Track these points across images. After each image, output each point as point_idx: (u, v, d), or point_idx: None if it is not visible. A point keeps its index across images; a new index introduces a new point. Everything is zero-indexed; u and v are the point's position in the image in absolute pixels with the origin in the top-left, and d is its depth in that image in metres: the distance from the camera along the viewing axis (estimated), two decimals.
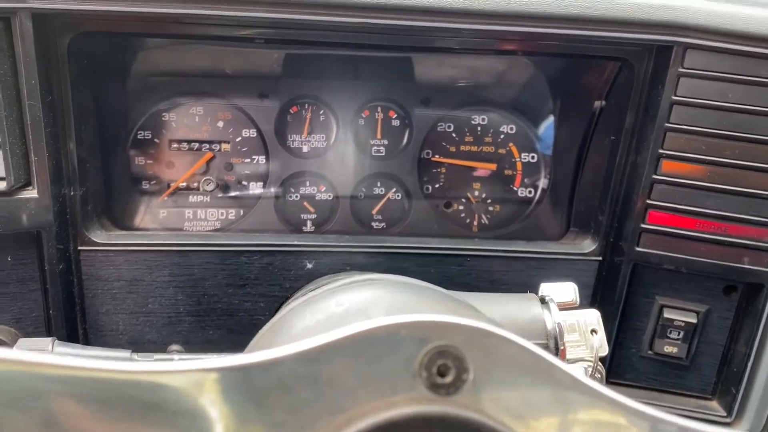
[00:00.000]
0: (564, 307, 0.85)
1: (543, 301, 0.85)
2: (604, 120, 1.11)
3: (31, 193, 0.97)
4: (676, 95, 0.98)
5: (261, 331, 0.70)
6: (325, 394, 0.45)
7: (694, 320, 1.09)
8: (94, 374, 0.43)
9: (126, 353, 0.86)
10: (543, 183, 1.24)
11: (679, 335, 1.10)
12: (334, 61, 1.18)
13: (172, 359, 0.86)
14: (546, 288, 0.87)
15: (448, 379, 0.46)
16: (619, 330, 1.11)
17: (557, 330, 0.82)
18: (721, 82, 0.96)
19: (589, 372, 0.81)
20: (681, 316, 1.09)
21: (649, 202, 1.03)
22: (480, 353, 0.46)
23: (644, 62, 1.01)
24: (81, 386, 0.43)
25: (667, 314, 1.10)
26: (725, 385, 1.10)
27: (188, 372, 0.44)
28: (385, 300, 0.63)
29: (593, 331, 0.85)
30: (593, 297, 1.12)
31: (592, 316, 0.85)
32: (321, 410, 0.45)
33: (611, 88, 1.09)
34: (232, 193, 1.21)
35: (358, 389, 0.45)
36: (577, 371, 0.48)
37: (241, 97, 1.18)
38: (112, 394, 0.43)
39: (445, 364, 0.46)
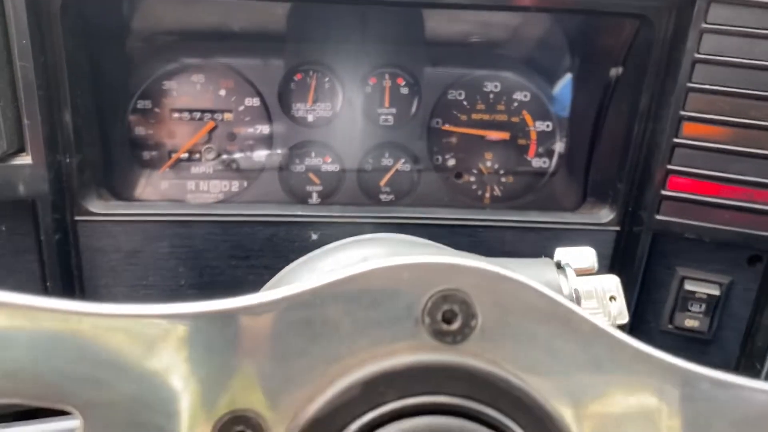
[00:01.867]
0: (581, 272, 0.81)
1: (559, 266, 0.81)
2: (623, 83, 1.06)
3: (25, 160, 0.94)
4: (698, 53, 0.93)
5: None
6: (320, 341, 0.41)
7: (716, 292, 1.04)
8: (56, 317, 0.39)
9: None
10: (558, 151, 1.19)
11: (701, 308, 1.05)
12: (340, 22, 1.13)
13: None
14: (562, 253, 0.82)
15: (455, 326, 0.42)
16: (638, 303, 1.07)
17: (574, 296, 0.78)
18: (747, 37, 0.91)
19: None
20: (703, 288, 1.04)
21: (669, 167, 0.98)
22: (489, 298, 0.42)
23: (665, 19, 0.96)
24: (39, 331, 0.39)
25: (689, 286, 1.05)
26: (749, 359, 1.05)
27: (163, 317, 0.40)
28: (387, 250, 0.59)
29: (612, 297, 0.80)
30: (611, 268, 1.07)
31: (611, 282, 0.80)
32: (315, 359, 0.41)
33: (630, 49, 1.04)
34: (235, 164, 1.17)
35: (355, 336, 0.41)
36: (600, 320, 0.43)
37: (244, 63, 1.14)
38: (74, 340, 0.39)
39: (451, 309, 0.42)
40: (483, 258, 0.78)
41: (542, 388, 0.43)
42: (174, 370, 0.41)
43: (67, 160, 0.98)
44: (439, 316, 0.42)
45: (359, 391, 0.41)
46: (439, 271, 0.42)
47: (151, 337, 0.41)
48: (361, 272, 0.41)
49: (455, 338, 0.42)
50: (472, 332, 0.42)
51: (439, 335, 0.42)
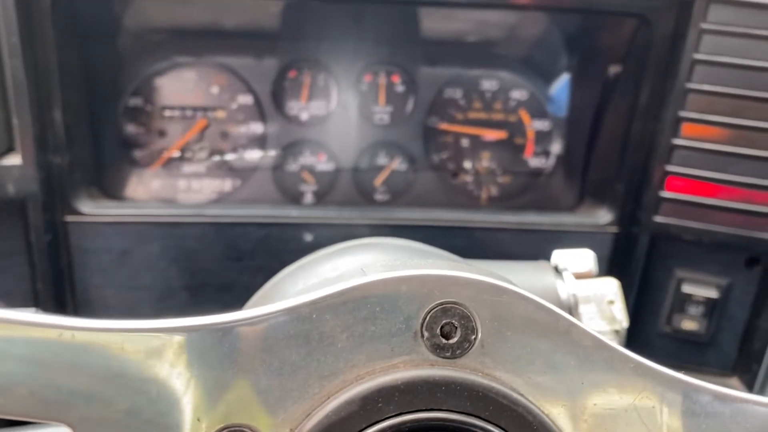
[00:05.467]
0: (580, 276, 0.79)
1: (556, 269, 0.80)
2: (621, 83, 1.05)
3: (15, 160, 0.92)
4: (698, 53, 0.92)
5: (251, 300, 0.65)
6: (317, 355, 0.40)
7: (714, 294, 1.03)
8: (48, 333, 0.38)
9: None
10: (556, 151, 1.18)
11: (698, 310, 1.04)
12: (335, 19, 1.11)
13: None
14: (560, 255, 0.81)
15: (454, 340, 0.41)
16: (635, 305, 1.06)
17: (572, 301, 0.77)
18: (747, 38, 0.90)
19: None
20: (701, 291, 1.04)
21: (668, 168, 0.97)
22: (489, 312, 0.41)
23: (664, 19, 0.95)
24: (33, 346, 0.38)
25: (686, 288, 1.04)
26: (746, 362, 1.05)
27: (158, 331, 0.39)
28: (384, 259, 0.58)
29: (611, 302, 0.79)
30: (609, 270, 1.06)
31: (610, 286, 0.79)
32: (312, 373, 0.40)
33: (629, 48, 1.03)
34: (228, 163, 1.15)
35: (353, 351, 0.40)
36: (600, 334, 0.42)
37: (237, 60, 1.12)
38: (68, 355, 0.38)
39: (450, 323, 0.41)
40: (481, 262, 0.77)
41: (543, 403, 0.42)
42: (170, 383, 0.40)
43: (58, 160, 0.96)
44: (438, 330, 0.41)
45: (357, 406, 0.39)
46: (438, 284, 0.41)
47: (146, 351, 0.39)
48: (358, 285, 0.40)
49: (454, 353, 0.41)
50: (471, 346, 0.41)
51: (438, 350, 0.41)
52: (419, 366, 0.40)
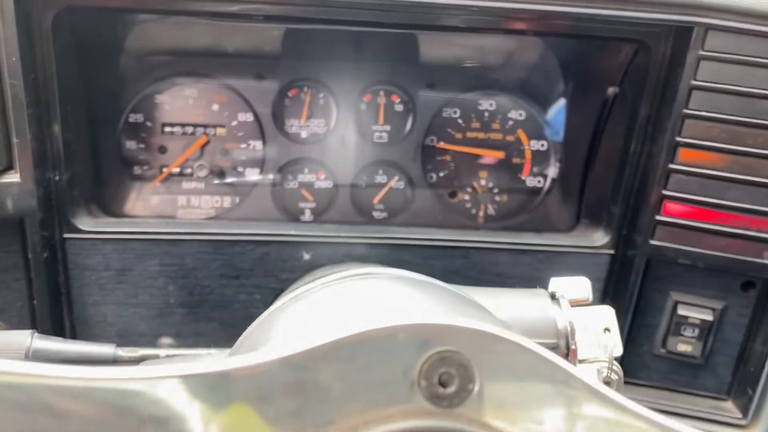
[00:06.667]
0: (576, 303, 0.80)
1: (553, 297, 0.80)
2: (619, 106, 1.06)
3: (13, 178, 0.92)
4: (695, 80, 0.92)
5: (249, 329, 0.65)
6: (312, 404, 0.40)
7: (710, 317, 1.04)
8: (48, 381, 0.38)
9: (110, 347, 0.81)
10: (553, 172, 1.19)
11: (694, 333, 1.04)
12: (335, 41, 1.12)
13: (158, 355, 0.81)
14: (556, 283, 0.81)
15: (451, 389, 0.41)
16: (631, 327, 1.06)
17: (568, 329, 0.77)
18: (744, 65, 0.91)
19: (605, 374, 0.75)
20: (696, 313, 1.04)
21: (665, 192, 0.97)
22: (487, 360, 0.41)
23: (662, 45, 0.95)
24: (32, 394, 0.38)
25: (682, 311, 1.04)
26: (741, 385, 1.05)
27: (157, 379, 0.39)
28: (383, 298, 0.58)
29: (606, 329, 0.79)
30: (604, 292, 1.07)
31: (606, 314, 0.80)
32: (306, 422, 0.40)
33: (626, 72, 1.03)
34: (227, 180, 1.15)
35: (348, 400, 0.40)
36: (599, 383, 0.42)
37: (238, 79, 1.13)
38: (67, 402, 0.38)
39: (447, 372, 0.41)
40: (479, 290, 0.78)
41: None
42: (166, 425, 0.40)
43: (57, 177, 0.96)
44: (436, 379, 0.41)
45: None
46: (437, 332, 0.41)
47: (142, 396, 0.40)
48: (354, 333, 0.40)
49: (452, 402, 0.41)
50: (468, 396, 0.41)
51: (435, 399, 0.41)
52: (416, 416, 0.40)
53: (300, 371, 0.40)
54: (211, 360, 0.41)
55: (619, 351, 0.79)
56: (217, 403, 0.40)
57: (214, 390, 0.40)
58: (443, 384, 0.41)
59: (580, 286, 0.82)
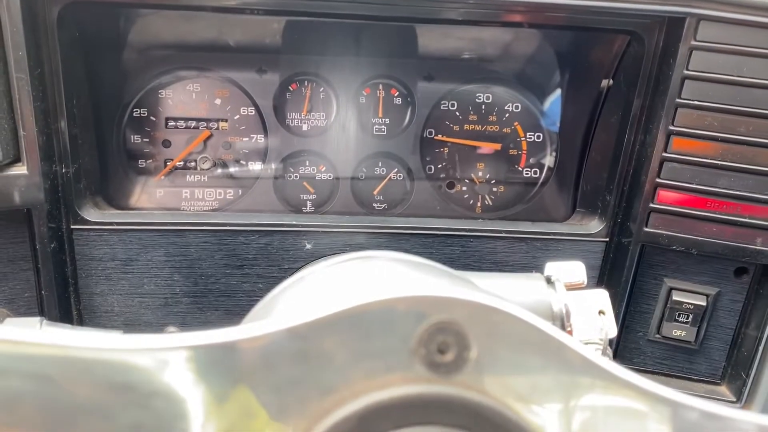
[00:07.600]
0: (571, 287, 0.82)
1: (549, 281, 0.82)
2: (613, 96, 1.08)
3: (21, 170, 0.94)
4: (688, 70, 0.94)
5: (253, 310, 0.67)
6: (315, 372, 0.42)
7: (703, 303, 1.06)
8: (54, 351, 0.40)
9: (117, 334, 0.83)
10: (549, 162, 1.21)
11: (687, 318, 1.06)
12: (335, 35, 1.14)
13: None
14: (552, 267, 0.83)
15: (449, 357, 0.43)
16: (626, 313, 1.08)
17: (563, 311, 0.79)
18: (736, 55, 0.93)
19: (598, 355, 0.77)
20: (690, 299, 1.06)
21: (658, 180, 0.99)
22: (484, 330, 0.43)
23: (655, 35, 0.97)
24: (39, 364, 0.40)
25: (676, 297, 1.06)
26: (735, 369, 1.07)
27: (163, 349, 0.41)
28: (383, 275, 0.60)
29: (601, 312, 0.81)
30: (600, 279, 1.09)
31: (600, 297, 0.82)
32: (310, 390, 0.42)
33: (620, 63, 1.05)
34: (230, 173, 1.18)
35: (350, 368, 0.42)
36: (591, 351, 0.44)
37: (240, 73, 1.15)
38: (75, 373, 0.40)
39: (445, 341, 0.43)
40: (476, 274, 0.80)
41: (535, 419, 0.44)
42: (174, 397, 0.42)
43: (63, 170, 0.98)
44: (434, 347, 0.43)
45: (354, 423, 0.42)
46: (435, 304, 0.43)
47: (152, 367, 0.42)
48: (356, 305, 0.42)
49: (449, 369, 0.43)
50: (466, 363, 0.43)
51: (434, 366, 0.43)
52: (415, 382, 0.42)
53: (304, 340, 0.42)
54: (219, 331, 0.42)
55: (613, 333, 0.81)
56: (225, 374, 0.42)
57: (222, 360, 0.42)
58: (441, 352, 0.43)
59: (575, 270, 0.84)
